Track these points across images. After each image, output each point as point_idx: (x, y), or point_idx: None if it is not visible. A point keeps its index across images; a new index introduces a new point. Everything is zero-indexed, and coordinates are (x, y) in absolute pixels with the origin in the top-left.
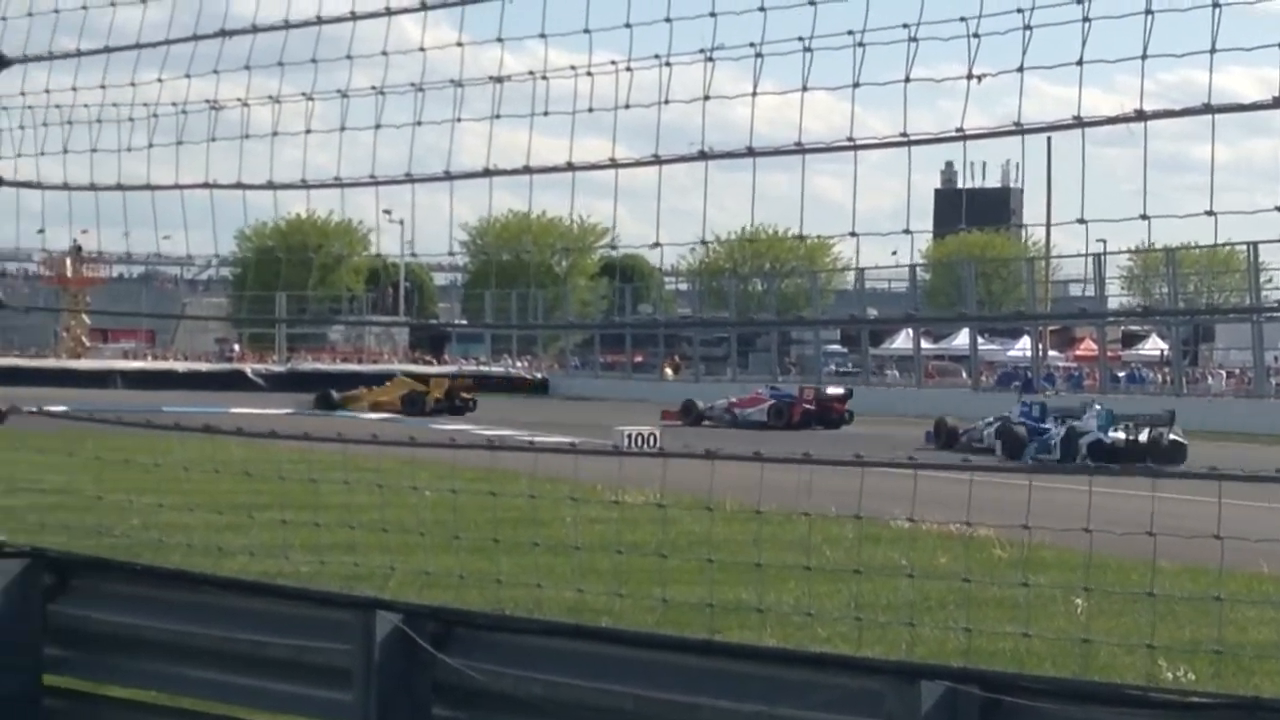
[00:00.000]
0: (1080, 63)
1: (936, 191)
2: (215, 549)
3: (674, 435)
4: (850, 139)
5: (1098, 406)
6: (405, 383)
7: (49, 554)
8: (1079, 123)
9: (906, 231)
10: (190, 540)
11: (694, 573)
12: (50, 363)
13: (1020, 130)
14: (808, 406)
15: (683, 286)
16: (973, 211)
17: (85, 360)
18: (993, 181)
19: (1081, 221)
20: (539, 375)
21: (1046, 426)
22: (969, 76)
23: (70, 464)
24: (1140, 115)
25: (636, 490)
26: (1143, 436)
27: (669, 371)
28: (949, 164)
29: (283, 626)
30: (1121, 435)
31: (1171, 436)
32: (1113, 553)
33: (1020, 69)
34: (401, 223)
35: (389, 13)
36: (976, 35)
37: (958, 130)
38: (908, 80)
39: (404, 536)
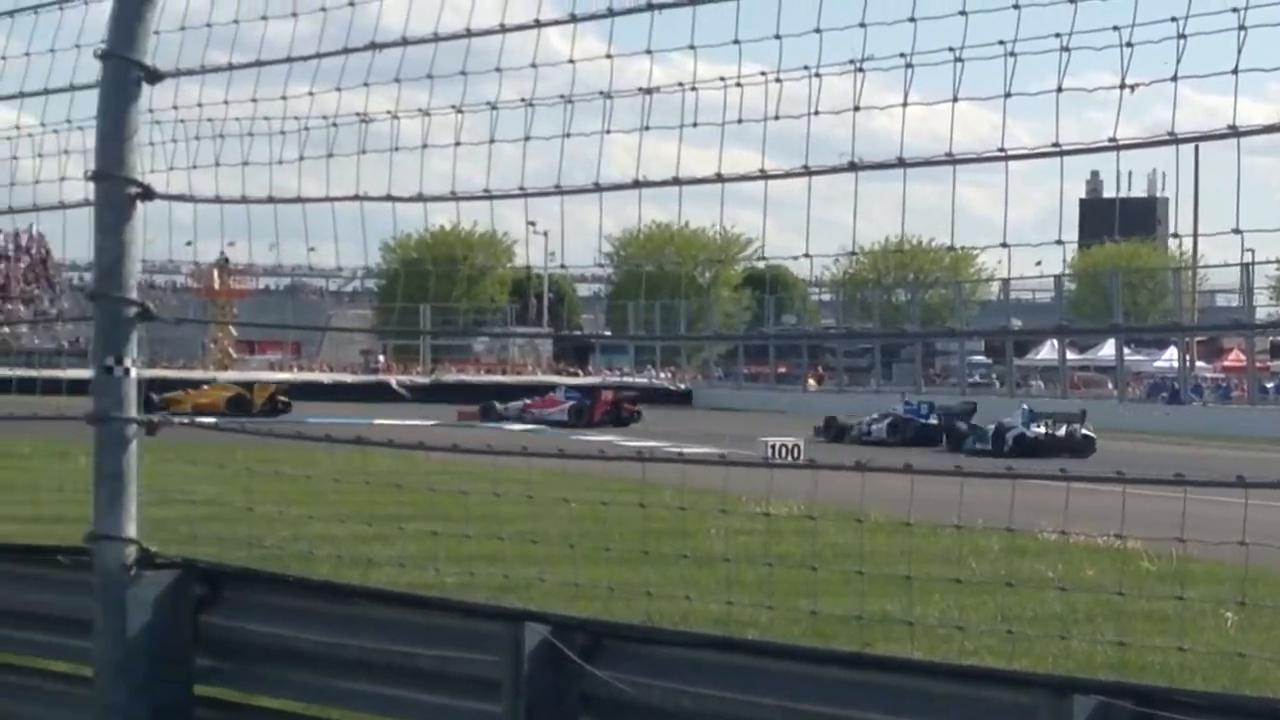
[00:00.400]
0: (1235, 71)
1: (1081, 201)
2: (364, 560)
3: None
4: (1001, 149)
5: (1025, 406)
6: (228, 387)
7: (200, 565)
8: (1234, 132)
9: (1059, 242)
10: (339, 551)
11: (840, 584)
12: (198, 374)
13: (1174, 140)
14: (606, 407)
15: (826, 297)
16: (1119, 221)
17: (232, 371)
18: (1139, 191)
19: (1237, 232)
20: (682, 386)
21: (932, 421)
22: (1122, 86)
23: (221, 475)
24: None
25: (780, 501)
26: (1060, 431)
27: (812, 383)
28: (1094, 173)
29: (432, 638)
30: (1042, 430)
31: (1083, 432)
32: (1266, 565)
33: (1174, 78)
34: (546, 234)
35: (538, 24)
36: (1130, 44)
37: (1110, 140)
38: (1060, 90)
39: (550, 548)
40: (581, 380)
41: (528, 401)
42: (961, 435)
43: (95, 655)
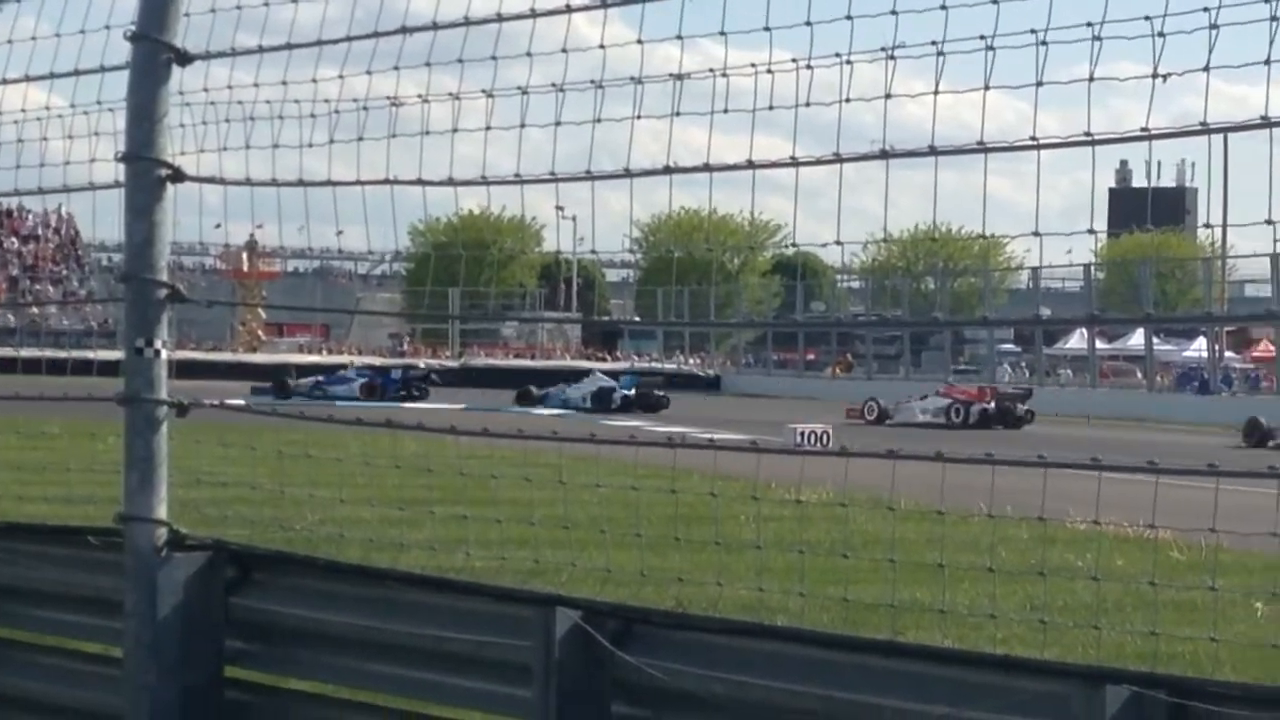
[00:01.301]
0: (1268, 61)
1: (1111, 190)
2: (394, 543)
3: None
4: (1033, 138)
5: (598, 372)
6: None
7: (231, 547)
8: (1266, 123)
9: (1090, 231)
10: (369, 534)
11: (870, 571)
12: (226, 356)
13: (1206, 130)
14: None
15: (855, 284)
16: (1148, 211)
17: (261, 354)
18: (1168, 181)
19: (1269, 222)
20: (711, 372)
21: (395, 378)
22: (1154, 75)
23: (251, 457)
24: None
25: (810, 488)
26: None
27: (837, 371)
28: (1123, 163)
29: (463, 622)
30: (633, 392)
31: (658, 393)
32: None
33: (1206, 68)
34: (575, 219)
35: (569, 10)
36: (1161, 34)
37: (1142, 129)
38: (1091, 79)
39: (581, 533)
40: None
41: None
42: (533, 397)
43: (126, 636)
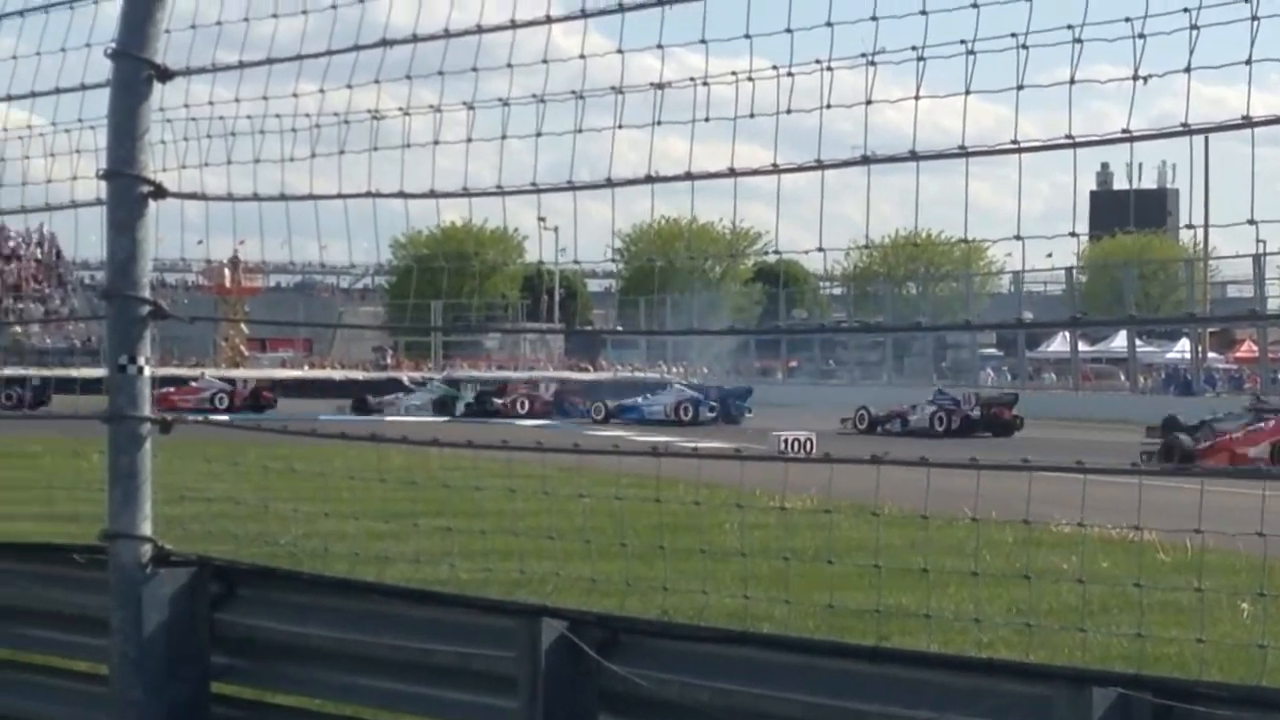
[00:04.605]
0: (1249, 62)
1: (1092, 193)
2: (379, 557)
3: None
4: (1014, 141)
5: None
6: None
7: (215, 562)
8: (1248, 123)
9: (1073, 234)
10: (354, 548)
11: (855, 577)
12: (210, 372)
13: (1188, 131)
14: None
15: (837, 291)
16: (1130, 213)
17: (244, 369)
18: (1149, 183)
19: (1251, 223)
20: (693, 380)
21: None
22: (1134, 77)
23: (235, 473)
24: None
25: (794, 495)
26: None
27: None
28: (1104, 165)
29: (449, 634)
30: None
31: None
32: None
33: (1187, 69)
34: (557, 230)
35: (549, 20)
36: (1142, 36)
37: (1123, 131)
38: (1072, 82)
39: (566, 543)
40: None
41: None
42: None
43: (111, 653)
